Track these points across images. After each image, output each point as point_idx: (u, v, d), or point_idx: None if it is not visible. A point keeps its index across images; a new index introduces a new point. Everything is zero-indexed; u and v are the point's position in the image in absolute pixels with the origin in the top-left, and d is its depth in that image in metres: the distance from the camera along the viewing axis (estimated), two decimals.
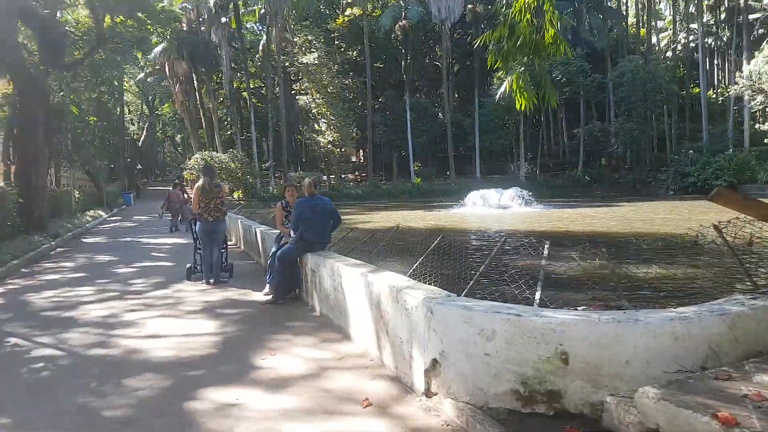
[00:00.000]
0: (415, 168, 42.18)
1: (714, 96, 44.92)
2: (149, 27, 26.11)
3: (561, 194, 35.63)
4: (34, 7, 16.17)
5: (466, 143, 43.13)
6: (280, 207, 7.65)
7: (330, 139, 40.55)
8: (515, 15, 5.18)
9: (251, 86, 42.63)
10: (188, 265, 8.49)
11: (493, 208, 24.75)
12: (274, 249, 7.19)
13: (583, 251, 5.34)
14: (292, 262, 6.69)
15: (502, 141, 42.48)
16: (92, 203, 28.70)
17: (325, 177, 42.69)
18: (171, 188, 19.15)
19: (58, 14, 20.26)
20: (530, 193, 26.27)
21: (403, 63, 41.44)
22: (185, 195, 18.51)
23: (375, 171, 42.85)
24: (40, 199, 15.10)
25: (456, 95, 46.04)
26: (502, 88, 5.63)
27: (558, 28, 5.39)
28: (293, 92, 42.84)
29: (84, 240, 15.80)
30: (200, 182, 8.12)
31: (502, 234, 14.16)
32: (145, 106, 63.48)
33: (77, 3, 22.71)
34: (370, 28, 41.35)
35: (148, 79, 52.13)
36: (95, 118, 31.08)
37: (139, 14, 23.52)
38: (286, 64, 40.75)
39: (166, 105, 57.71)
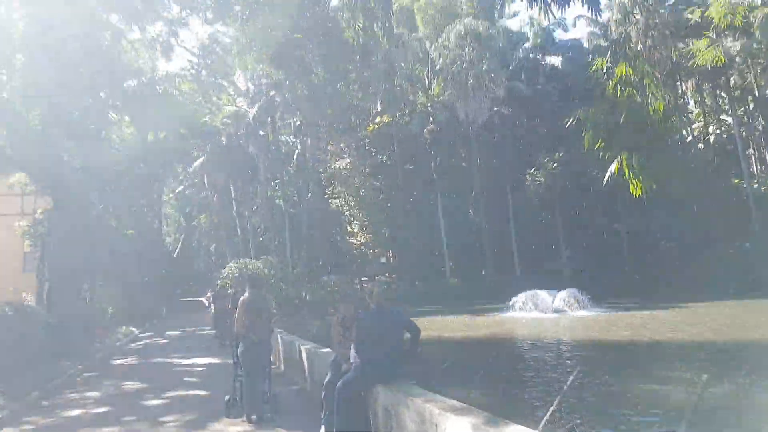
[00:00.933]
0: (450, 267, 40.93)
1: (756, 186, 43.46)
2: (192, 143, 26.97)
3: (611, 293, 33.58)
4: (80, 123, 16.56)
5: (502, 239, 42.06)
6: (338, 322, 6.56)
7: (363, 240, 40.09)
8: (612, 90, 4.36)
9: (285, 192, 43.27)
10: (227, 398, 7.29)
11: (547, 313, 22.89)
12: (329, 377, 5.98)
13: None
14: (356, 397, 5.43)
15: (540, 236, 41.26)
16: (126, 318, 28.01)
17: (356, 279, 41.73)
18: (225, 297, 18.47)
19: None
20: (586, 295, 24.19)
21: (432, 164, 41.78)
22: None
23: (408, 271, 41.72)
24: (73, 319, 14.36)
25: (484, 193, 45.91)
26: (610, 171, 4.67)
27: (665, 101, 4.51)
28: (326, 196, 43.26)
29: (114, 361, 14.77)
30: (246, 295, 7.15)
31: (579, 348, 12.62)
32: (182, 218, 64.99)
33: (122, 121, 23.65)
34: (400, 133, 42.29)
35: (186, 192, 53.78)
36: (132, 231, 31.38)
37: (182, 130, 24.27)
38: (320, 170, 41.54)
39: (203, 216, 58.97)
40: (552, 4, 5.96)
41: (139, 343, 20.47)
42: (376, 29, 7.58)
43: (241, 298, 7.27)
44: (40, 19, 14.00)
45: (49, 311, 13.15)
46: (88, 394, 9.52)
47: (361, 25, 6.87)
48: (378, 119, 43.79)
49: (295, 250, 45.72)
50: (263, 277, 8.22)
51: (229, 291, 21.71)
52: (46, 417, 7.74)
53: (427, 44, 39.60)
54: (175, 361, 13.70)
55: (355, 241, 40.49)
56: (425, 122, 41.05)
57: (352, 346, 5.66)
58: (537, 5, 6.04)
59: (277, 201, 48.20)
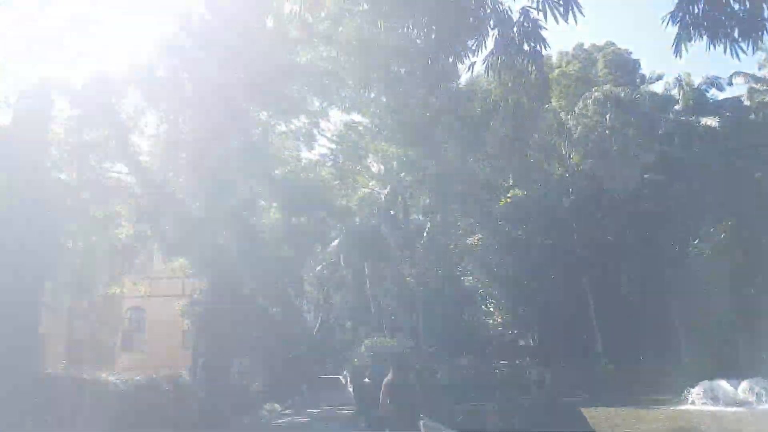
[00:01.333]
0: (601, 350, 36.94)
1: None
2: (329, 225, 28.29)
3: None
4: (235, 211, 18.03)
5: (662, 319, 37.31)
6: None
7: (499, 320, 38.06)
8: None
9: (417, 270, 43.18)
10: None
11: (730, 406, 19.20)
12: None
13: None
14: None
15: (707, 315, 35.94)
16: (269, 394, 28.82)
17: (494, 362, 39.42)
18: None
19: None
20: None
21: (575, 237, 39.28)
22: None
23: (551, 355, 38.42)
24: (224, 394, 14.92)
25: (638, 268, 41.73)
26: None
27: None
28: (458, 274, 42.38)
29: None
30: (389, 377, 6.67)
31: None
32: (320, 297, 67.58)
33: (270, 207, 25.57)
34: (535, 206, 40.75)
35: (324, 271, 56.19)
36: (278, 310, 33.00)
37: (321, 213, 25.61)
38: (450, 246, 41.05)
39: (339, 295, 60.80)
40: (740, 39, 5.16)
41: (282, 420, 20.71)
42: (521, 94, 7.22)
43: (386, 379, 6.80)
44: (202, 122, 15.78)
45: (202, 386, 13.74)
46: None
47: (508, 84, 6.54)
48: (510, 193, 42.87)
49: (428, 329, 44.88)
50: (409, 358, 7.56)
51: (367, 372, 21.58)
52: None
53: (562, 115, 38.62)
54: None
55: (491, 322, 38.59)
56: (563, 194, 39.21)
57: None
58: (721, 43, 5.27)
59: (408, 279, 48.32)
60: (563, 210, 40.82)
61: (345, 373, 64.19)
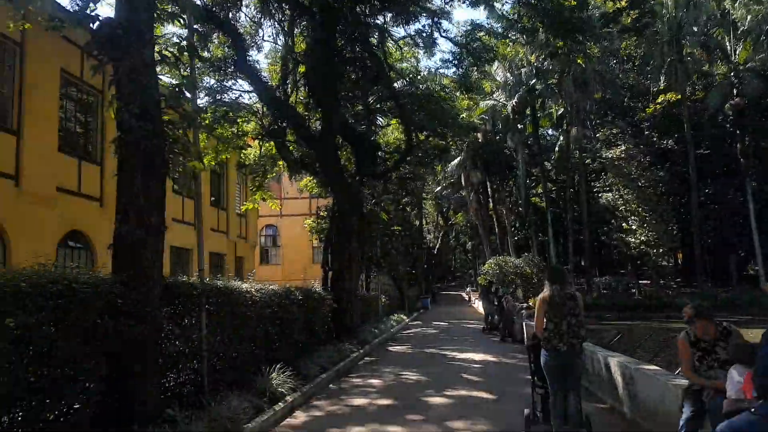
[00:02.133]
0: (765, 272, 32.52)
1: None
2: (450, 141, 26.70)
3: None
4: (352, 125, 17.30)
5: None
6: (686, 341, 4.56)
7: (643, 239, 34.78)
8: None
9: (548, 188, 40.53)
10: (525, 411, 5.81)
11: None
12: (688, 413, 4.12)
13: None
14: None
15: None
16: (395, 307, 29.49)
17: (632, 283, 36.71)
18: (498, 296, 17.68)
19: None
20: None
21: (738, 146, 33.90)
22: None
23: (704, 276, 34.67)
24: (353, 305, 14.92)
25: None
26: None
27: None
28: (595, 191, 39.15)
29: (389, 348, 14.90)
30: (546, 292, 5.55)
31: None
32: (440, 217, 67.45)
33: (389, 125, 24.64)
34: (691, 112, 35.57)
35: (443, 192, 55.42)
36: (400, 228, 32.99)
37: (441, 129, 24.07)
38: (587, 161, 37.71)
39: (459, 215, 59.99)
40: None
41: (409, 331, 20.85)
42: None
43: (540, 295, 5.69)
44: (317, 31, 14.69)
45: (334, 297, 13.75)
46: (371, 381, 9.19)
47: None
48: (661, 98, 37.79)
49: (559, 248, 42.73)
50: (564, 270, 6.38)
51: (493, 289, 20.70)
52: (333, 403, 7.46)
53: (727, 2, 32.43)
54: (449, 353, 12.94)
55: (632, 240, 35.47)
56: (727, 96, 33.69)
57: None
58: None
59: (534, 198, 45.91)
60: (725, 115, 35.26)
61: (468, 289, 64.80)
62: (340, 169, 15.05)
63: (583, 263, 38.49)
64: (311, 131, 14.99)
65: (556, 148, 42.36)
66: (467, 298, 56.66)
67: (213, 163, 16.97)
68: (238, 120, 17.06)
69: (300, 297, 10.39)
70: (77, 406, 4.33)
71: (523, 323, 15.22)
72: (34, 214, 10.81)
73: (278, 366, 7.57)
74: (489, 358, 12.02)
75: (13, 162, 10.82)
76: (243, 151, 20.02)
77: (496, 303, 18.55)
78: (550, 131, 49.26)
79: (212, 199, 21.75)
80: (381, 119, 24.50)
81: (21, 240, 10.39)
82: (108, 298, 4.72)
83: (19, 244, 10.30)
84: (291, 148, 17.34)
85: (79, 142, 13.43)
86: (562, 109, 39.21)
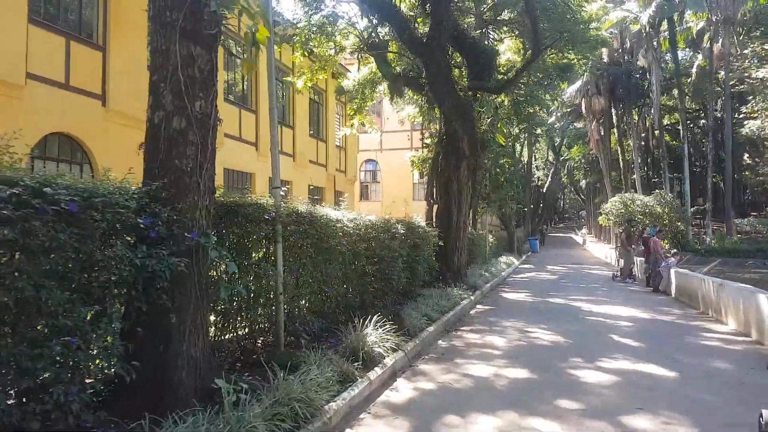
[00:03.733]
0: None
1: None
2: (574, 57, 22.85)
3: None
4: (465, 30, 14.63)
5: None
6: None
7: None
8: None
9: (685, 115, 34.84)
10: (765, 414, 3.55)
11: None
12: None
13: None
14: None
15: None
16: (502, 248, 27.17)
17: None
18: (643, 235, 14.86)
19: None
20: None
21: None
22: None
23: None
24: (461, 244, 12.92)
25: None
26: None
27: None
28: (740, 117, 33.12)
29: (504, 294, 12.83)
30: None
31: None
32: (551, 152, 62.48)
33: (503, 36, 21.37)
34: None
35: (556, 125, 50.52)
36: (510, 161, 29.98)
37: (566, 42, 20.46)
38: (732, 82, 31.61)
39: (575, 148, 54.88)
40: None
41: (523, 276, 18.61)
42: None
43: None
44: None
45: (440, 233, 11.83)
46: (490, 338, 7.23)
47: None
48: None
49: (697, 184, 37.33)
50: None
51: (633, 229, 17.60)
52: (446, 369, 5.58)
53: None
54: (582, 305, 10.63)
55: None
56: None
57: None
58: None
59: (667, 125, 40.04)
60: None
61: (582, 232, 60.31)
62: (451, 78, 12.66)
63: (725, 204, 33.13)
64: (417, 34, 12.67)
65: (693, 69, 36.14)
66: (580, 241, 52.62)
67: (309, 85, 15.27)
68: (336, 34, 15.09)
69: (402, 231, 8.56)
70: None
71: (671, 271, 12.41)
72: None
73: (375, 316, 5.81)
74: (637, 313, 9.56)
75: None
76: (341, 75, 18.20)
77: (640, 246, 15.67)
78: (682, 54, 42.37)
79: (311, 132, 20.40)
80: (493, 33, 21.34)
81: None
82: (122, 217, 3.08)
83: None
84: (393, 63, 15.18)
85: None
86: (702, 23, 32.93)
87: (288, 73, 17.51)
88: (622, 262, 16.19)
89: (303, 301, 5.62)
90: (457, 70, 15.67)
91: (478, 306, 10.58)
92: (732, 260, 25.12)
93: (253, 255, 4.89)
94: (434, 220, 13.30)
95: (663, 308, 10.26)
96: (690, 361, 5.93)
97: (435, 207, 13.64)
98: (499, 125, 15.25)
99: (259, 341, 5.20)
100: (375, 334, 5.44)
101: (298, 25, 13.48)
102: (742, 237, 30.88)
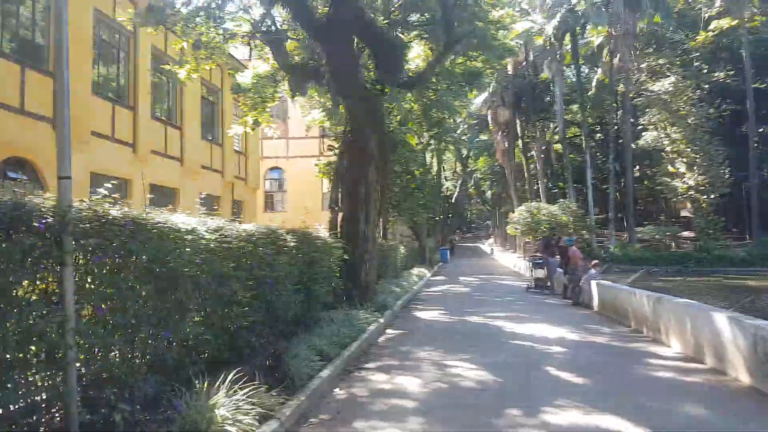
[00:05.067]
0: None
1: None
2: (482, 65, 22.28)
3: None
4: (371, 20, 13.19)
5: None
6: None
7: (692, 183, 30.74)
8: None
9: (586, 123, 35.93)
10: None
11: None
12: None
13: None
14: None
15: None
16: (413, 259, 26.07)
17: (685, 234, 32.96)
18: (558, 244, 13.95)
19: None
20: None
21: None
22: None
23: (763, 225, 30.70)
24: (369, 256, 11.34)
25: None
26: None
27: None
28: (638, 128, 34.73)
29: (417, 313, 11.39)
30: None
31: None
32: (459, 164, 63.31)
33: (412, 39, 20.30)
34: (751, 41, 30.68)
35: (463, 137, 51.03)
36: (419, 171, 29.09)
37: (473, 52, 19.76)
38: (630, 95, 33.06)
39: (481, 159, 55.83)
40: None
41: (435, 289, 17.40)
42: None
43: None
44: None
45: (345, 245, 10.20)
46: (401, 381, 5.61)
47: None
48: (715, 24, 32.77)
49: (601, 193, 38.72)
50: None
51: (554, 240, 16.94)
52: None
53: None
54: (502, 324, 9.40)
55: (680, 185, 31.44)
56: None
57: None
58: None
59: (556, 146, 41.41)
60: None
61: (489, 242, 61.38)
62: (356, 68, 11.16)
63: (624, 212, 34.50)
64: (317, 17, 11.05)
65: (593, 83, 37.67)
66: (488, 251, 53.31)
67: (193, 76, 13.07)
68: (224, 18, 13.08)
69: (293, 242, 6.81)
70: None
71: (592, 283, 11.63)
72: None
73: (234, 372, 3.99)
74: (565, 333, 8.45)
75: None
76: (236, 71, 16.12)
77: (552, 257, 14.96)
78: (582, 71, 44.32)
79: (204, 134, 18.08)
80: (402, 35, 20.25)
81: None
82: None
83: None
84: (293, 53, 13.45)
85: None
86: (601, 38, 34.38)
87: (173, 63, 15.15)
88: (538, 272, 15.47)
89: (125, 353, 3.68)
90: (365, 71, 14.28)
91: (388, 330, 9.02)
92: (635, 268, 25.85)
93: (16, 289, 2.93)
94: (339, 229, 11.66)
95: (590, 326, 9.28)
96: (655, 406, 4.69)
97: (340, 215, 11.99)
98: (410, 124, 13.91)
99: (43, 421, 3.23)
100: (232, 400, 3.63)
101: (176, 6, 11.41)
102: (643, 245, 32.01)
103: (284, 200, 36.09)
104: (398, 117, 12.75)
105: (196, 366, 4.16)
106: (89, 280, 3.26)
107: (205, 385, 3.62)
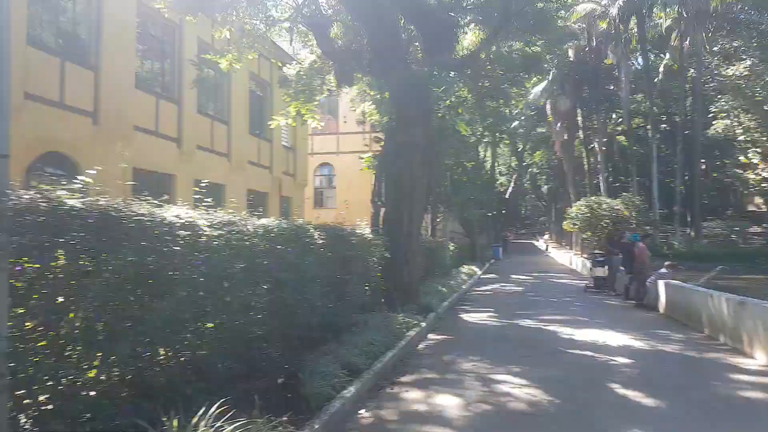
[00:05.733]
0: None
1: None
2: (540, 50, 20.86)
3: None
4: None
5: None
6: None
7: (766, 175, 28.13)
8: None
9: (654, 112, 33.59)
10: None
11: None
12: None
13: None
14: None
15: None
16: (464, 257, 25.01)
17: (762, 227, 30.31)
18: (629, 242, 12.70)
19: None
20: None
21: None
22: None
23: None
24: (413, 255, 10.58)
25: None
26: None
27: None
28: (709, 116, 32.14)
29: (464, 316, 10.53)
30: None
31: None
32: (513, 157, 61.33)
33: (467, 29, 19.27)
34: None
35: (519, 130, 49.17)
36: (472, 163, 27.93)
37: (531, 36, 18.53)
38: (701, 80, 30.54)
39: (538, 153, 53.71)
40: None
41: (485, 288, 16.43)
42: None
43: None
44: None
45: (387, 243, 9.52)
46: (440, 401, 4.80)
47: None
48: None
49: (664, 187, 36.21)
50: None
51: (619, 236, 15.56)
52: None
53: None
54: (559, 329, 8.42)
55: (752, 177, 28.88)
56: None
57: None
58: None
59: (635, 128, 38.91)
60: None
61: (545, 238, 59.17)
62: (399, 48, 10.41)
63: (690, 207, 32.01)
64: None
65: (660, 69, 35.12)
66: (543, 248, 51.34)
67: (236, 66, 12.71)
68: (266, 4, 12.64)
69: (321, 240, 6.17)
70: None
71: (659, 284, 10.41)
72: None
73: (220, 400, 3.33)
74: (631, 341, 7.42)
75: None
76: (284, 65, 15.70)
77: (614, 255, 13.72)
78: (650, 56, 41.53)
79: (252, 129, 17.87)
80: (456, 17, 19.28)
81: None
82: None
83: None
84: (337, 36, 12.85)
85: None
86: (670, 21, 31.91)
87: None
88: (598, 270, 14.24)
89: (88, 374, 3.09)
90: (412, 54, 13.46)
91: (430, 336, 8.24)
92: (701, 265, 23.74)
93: None
94: (381, 225, 10.97)
95: (658, 331, 8.17)
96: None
97: (383, 210, 11.29)
98: (460, 110, 12.95)
99: None
100: None
101: None
102: (709, 241, 29.76)
103: (334, 197, 35.81)
104: (448, 102, 11.81)
105: (190, 387, 3.54)
106: (37, 287, 2.67)
107: (175, 423, 2.92)
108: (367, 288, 9.03)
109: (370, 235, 9.39)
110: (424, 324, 8.46)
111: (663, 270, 10.71)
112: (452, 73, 11.22)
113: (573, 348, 7.07)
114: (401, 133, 10.67)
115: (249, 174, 17.63)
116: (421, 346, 7.43)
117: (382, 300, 9.14)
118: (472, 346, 7.30)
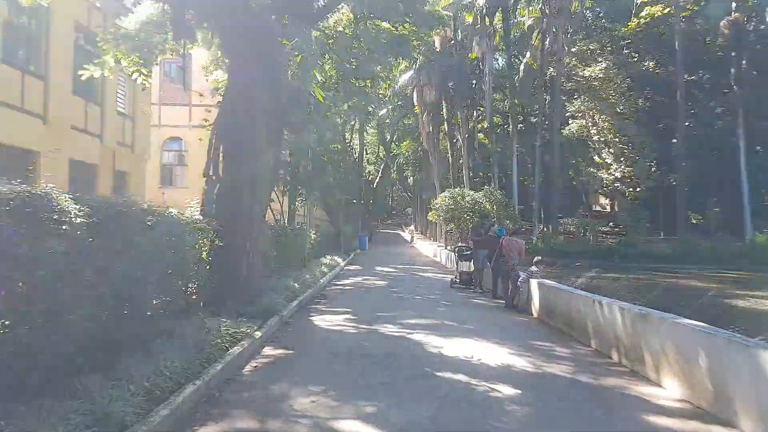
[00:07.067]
0: (751, 219, 28.66)
1: None
2: (405, 33, 19.79)
3: None
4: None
5: None
6: None
7: (618, 175, 30.15)
8: None
9: (512, 108, 34.59)
10: None
11: None
12: None
13: None
14: None
15: None
16: (328, 247, 23.25)
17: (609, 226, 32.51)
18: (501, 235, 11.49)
19: None
20: None
21: (733, 71, 29.19)
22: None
23: (687, 220, 30.56)
24: (254, 243, 8.50)
25: None
26: None
27: None
28: (566, 116, 33.85)
29: (315, 320, 8.65)
30: None
31: None
32: (381, 146, 61.04)
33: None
34: (681, 29, 30.15)
35: (386, 120, 48.71)
36: (339, 146, 26.24)
37: (403, 16, 17.40)
38: (561, 80, 31.90)
39: (405, 143, 53.78)
40: None
41: (346, 282, 14.78)
42: None
43: None
44: None
45: (220, 226, 7.38)
46: None
47: None
48: (647, 11, 32.19)
49: (521, 186, 37.62)
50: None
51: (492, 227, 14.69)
52: None
53: None
54: (427, 342, 6.86)
55: (605, 176, 30.84)
56: (725, 11, 28.52)
57: None
58: None
59: (497, 123, 40.06)
60: (720, 34, 30.22)
61: (410, 229, 59.74)
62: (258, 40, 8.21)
63: (547, 203, 33.53)
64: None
65: (521, 67, 36.34)
66: (408, 239, 51.59)
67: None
68: None
69: (82, 219, 3.91)
70: None
71: (532, 282, 9.51)
72: None
73: None
74: (511, 357, 6.11)
75: None
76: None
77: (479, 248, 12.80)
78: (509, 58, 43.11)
79: (76, 88, 14.15)
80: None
81: None
82: None
83: None
84: None
85: None
86: (532, 20, 33.06)
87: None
88: (464, 264, 13.30)
89: None
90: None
91: (266, 349, 6.27)
92: (555, 260, 24.56)
93: None
94: (215, 205, 8.70)
95: (538, 343, 7.03)
96: None
97: (218, 186, 8.98)
98: (315, 72, 11.01)
99: None
100: None
101: None
102: (566, 237, 31.15)
103: (185, 175, 31.94)
104: (299, 59, 9.81)
105: None
106: None
107: None
108: (191, 287, 6.88)
109: (195, 217, 7.18)
110: (259, 334, 6.46)
111: (533, 267, 9.82)
112: (306, 29, 9.19)
113: (444, 368, 5.55)
114: (238, 92, 8.47)
115: (73, 142, 14.25)
116: (248, 368, 5.43)
117: (211, 300, 7.00)
118: (317, 367, 5.50)
